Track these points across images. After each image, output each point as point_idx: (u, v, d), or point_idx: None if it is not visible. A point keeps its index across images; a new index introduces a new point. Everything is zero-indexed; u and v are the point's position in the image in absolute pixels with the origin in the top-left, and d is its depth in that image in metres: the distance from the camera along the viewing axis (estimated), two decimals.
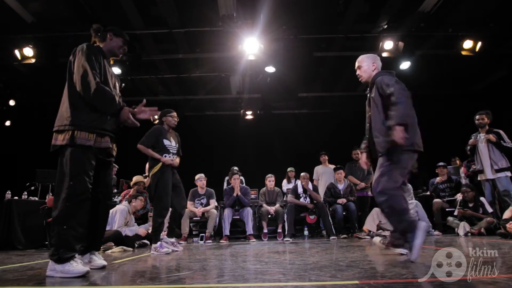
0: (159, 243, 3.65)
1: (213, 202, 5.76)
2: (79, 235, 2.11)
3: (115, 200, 5.73)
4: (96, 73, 2.23)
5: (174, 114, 4.05)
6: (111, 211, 4.49)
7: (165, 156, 3.79)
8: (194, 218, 5.69)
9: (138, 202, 4.74)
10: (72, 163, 2.11)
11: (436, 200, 5.55)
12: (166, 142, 3.87)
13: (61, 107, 2.25)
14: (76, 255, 2.12)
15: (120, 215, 4.39)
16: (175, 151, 3.95)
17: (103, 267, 2.33)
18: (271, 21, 5.53)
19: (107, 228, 4.30)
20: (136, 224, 4.77)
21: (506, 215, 4.11)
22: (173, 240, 4.02)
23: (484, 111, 4.92)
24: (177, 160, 3.95)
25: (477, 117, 4.93)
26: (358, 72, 2.70)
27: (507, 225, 3.84)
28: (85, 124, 2.16)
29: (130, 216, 4.64)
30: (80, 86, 2.18)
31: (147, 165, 6.10)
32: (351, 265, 2.13)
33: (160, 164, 3.73)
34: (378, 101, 2.49)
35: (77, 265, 2.04)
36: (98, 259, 2.37)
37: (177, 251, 3.84)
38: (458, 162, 6.67)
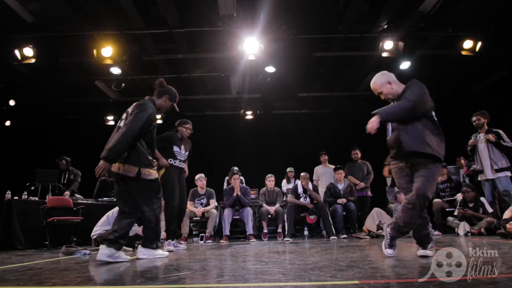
0: (169, 241, 3.93)
1: (213, 202, 5.76)
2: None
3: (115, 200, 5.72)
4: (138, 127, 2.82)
5: (189, 126, 4.29)
6: (110, 211, 4.47)
7: (170, 161, 4.01)
8: (194, 218, 5.69)
9: None
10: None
11: (436, 200, 5.54)
12: (175, 148, 4.12)
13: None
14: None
15: None
16: (183, 158, 4.20)
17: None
18: (271, 21, 5.52)
19: (107, 228, 4.29)
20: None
21: (506, 215, 4.10)
22: (173, 242, 4.10)
23: (480, 112, 4.92)
24: (186, 168, 4.27)
25: (473, 118, 4.93)
26: (382, 97, 2.66)
27: (507, 225, 3.84)
28: (148, 163, 2.90)
29: None
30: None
31: None
32: (351, 265, 2.13)
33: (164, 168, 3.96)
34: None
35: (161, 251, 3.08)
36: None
37: (179, 250, 3.99)
38: (462, 161, 6.65)
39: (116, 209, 4.49)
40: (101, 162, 2.65)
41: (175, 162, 4.08)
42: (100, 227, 4.29)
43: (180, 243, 4.31)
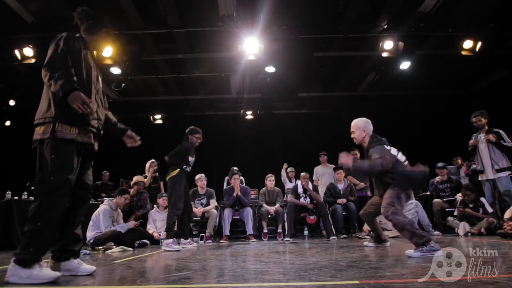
0: (171, 239, 3.97)
1: (213, 202, 5.76)
2: (53, 234, 1.99)
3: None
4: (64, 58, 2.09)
5: (200, 136, 4.45)
6: (93, 214, 4.44)
7: (184, 167, 4.26)
8: (194, 218, 5.68)
9: (121, 199, 4.64)
10: (53, 156, 1.92)
11: (436, 200, 5.54)
12: (190, 158, 4.32)
13: (42, 101, 2.18)
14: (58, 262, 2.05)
15: (103, 217, 4.34)
16: (192, 165, 4.45)
17: (92, 273, 2.09)
18: (271, 21, 5.52)
19: (98, 231, 4.28)
20: (122, 221, 4.73)
21: (506, 215, 4.10)
22: (188, 240, 4.52)
23: (479, 112, 4.89)
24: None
25: (473, 119, 4.91)
26: (352, 135, 3.28)
27: (505, 226, 3.83)
28: (67, 118, 1.99)
29: (116, 212, 4.60)
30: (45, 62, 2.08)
31: (147, 165, 6.15)
32: (351, 265, 2.13)
33: (177, 170, 4.16)
34: None
35: (46, 269, 1.84)
36: (85, 264, 2.12)
37: (186, 247, 4.22)
38: (459, 161, 6.65)
39: (98, 210, 4.45)
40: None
41: (187, 168, 4.30)
42: (92, 232, 4.31)
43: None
